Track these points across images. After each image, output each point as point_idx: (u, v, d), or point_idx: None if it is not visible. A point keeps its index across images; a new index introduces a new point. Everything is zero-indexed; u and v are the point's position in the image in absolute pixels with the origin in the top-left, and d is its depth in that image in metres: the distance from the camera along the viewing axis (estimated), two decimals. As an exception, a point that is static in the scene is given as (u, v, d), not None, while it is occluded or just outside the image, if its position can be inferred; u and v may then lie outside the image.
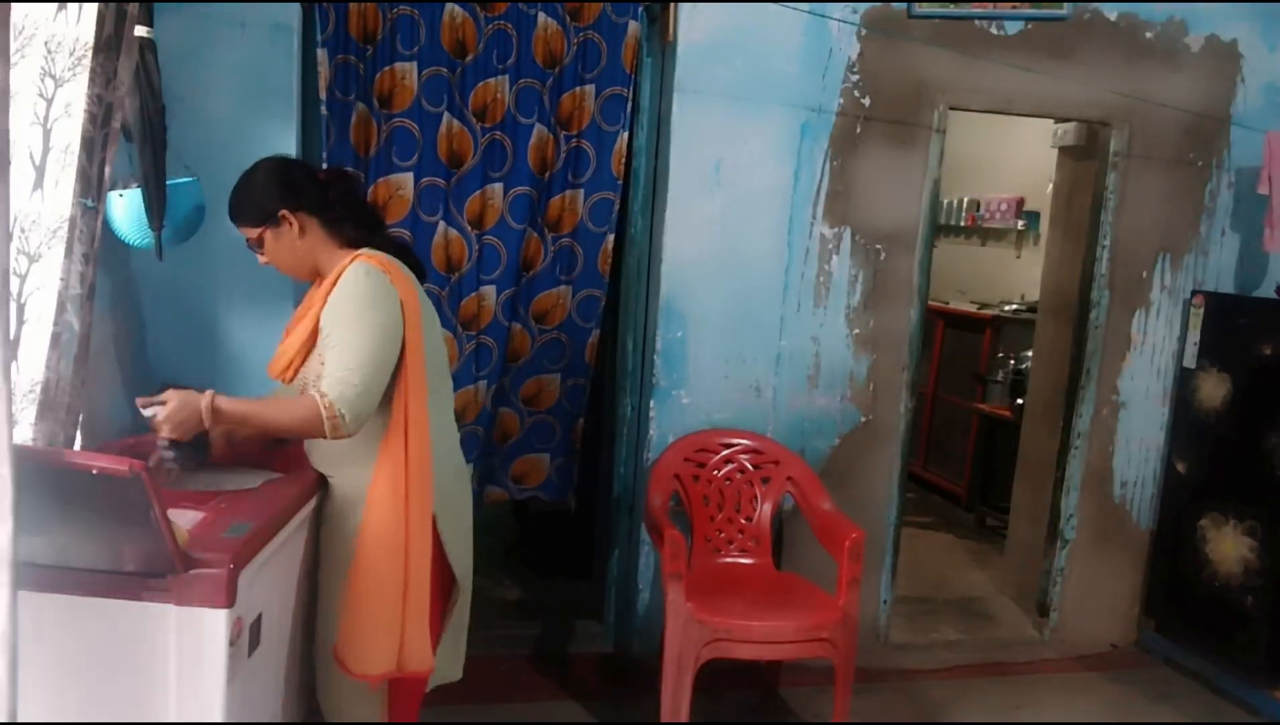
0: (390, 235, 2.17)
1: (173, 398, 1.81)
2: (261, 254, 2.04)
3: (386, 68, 2.92)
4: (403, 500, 1.93)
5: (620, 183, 3.17)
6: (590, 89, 3.10)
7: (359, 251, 1.97)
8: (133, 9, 1.89)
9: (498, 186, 3.09)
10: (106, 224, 2.18)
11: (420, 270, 2.10)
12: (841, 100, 3.23)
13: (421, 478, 1.95)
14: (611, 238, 3.20)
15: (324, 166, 2.06)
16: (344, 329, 1.87)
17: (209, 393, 1.84)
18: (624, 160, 3.16)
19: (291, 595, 2.04)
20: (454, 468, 2.12)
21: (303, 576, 2.07)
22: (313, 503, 2.05)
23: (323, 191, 2.02)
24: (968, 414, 5.20)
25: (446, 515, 2.06)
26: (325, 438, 1.87)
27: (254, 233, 2.00)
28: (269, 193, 1.98)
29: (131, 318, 2.70)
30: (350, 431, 1.86)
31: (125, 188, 2.34)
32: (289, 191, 1.98)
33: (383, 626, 1.95)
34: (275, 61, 2.78)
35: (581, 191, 3.16)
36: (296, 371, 1.98)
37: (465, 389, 3.15)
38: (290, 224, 1.98)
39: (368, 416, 1.88)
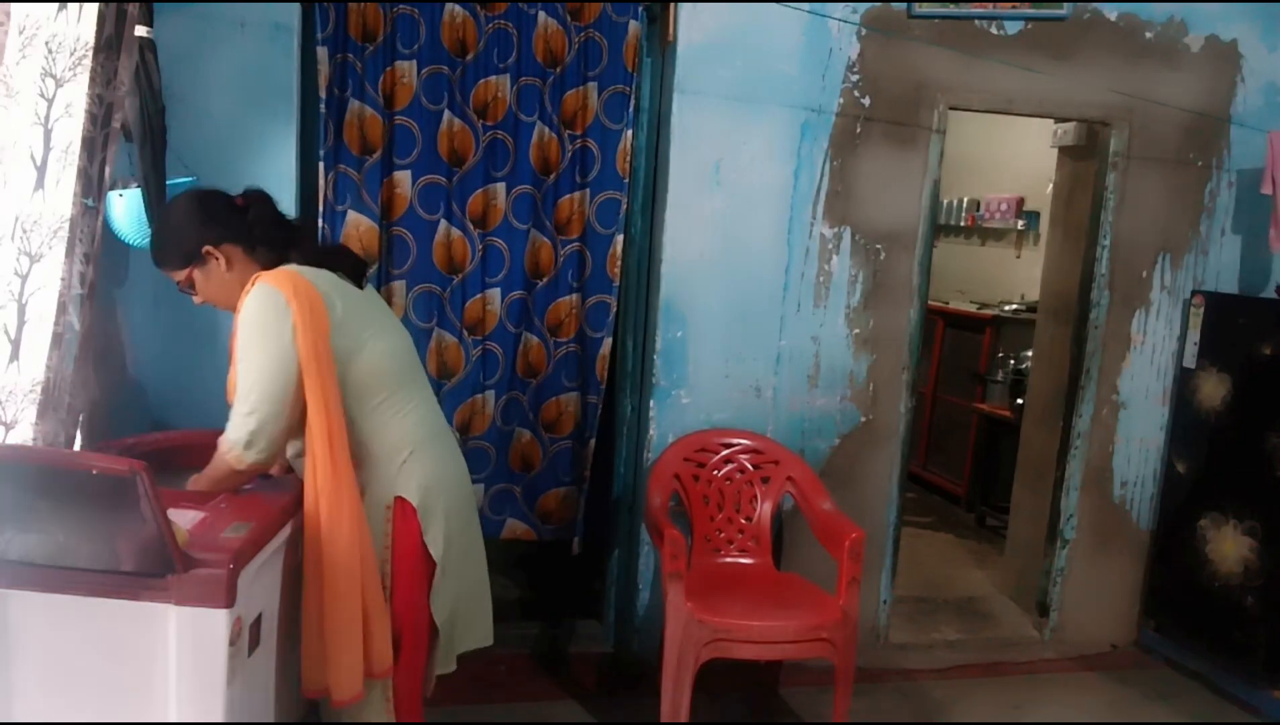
0: (316, 244, 2.09)
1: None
2: (195, 295, 2.00)
3: (387, 67, 2.92)
4: (327, 512, 1.87)
5: (626, 182, 3.17)
6: (593, 87, 3.09)
7: (263, 273, 1.89)
8: (133, 9, 1.90)
9: (500, 186, 3.08)
10: (106, 224, 2.18)
11: (357, 271, 2.03)
12: (841, 100, 3.23)
13: (338, 489, 1.86)
14: (620, 240, 3.17)
15: (241, 192, 2.04)
16: (243, 360, 1.85)
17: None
18: (629, 160, 3.16)
19: (291, 595, 2.04)
20: (433, 468, 2.05)
21: (301, 577, 2.07)
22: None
23: (241, 218, 1.96)
24: (968, 414, 5.19)
25: (435, 508, 2.03)
26: (246, 479, 1.91)
27: (182, 275, 1.96)
28: (189, 231, 1.93)
29: (131, 318, 2.70)
30: (261, 462, 1.87)
31: (125, 188, 2.34)
32: (208, 226, 1.93)
33: (340, 650, 1.93)
34: (275, 61, 2.78)
35: (588, 192, 3.15)
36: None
37: (471, 399, 3.13)
38: (216, 259, 1.94)
39: (275, 442, 1.86)
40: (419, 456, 2.02)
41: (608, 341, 3.23)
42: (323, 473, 1.86)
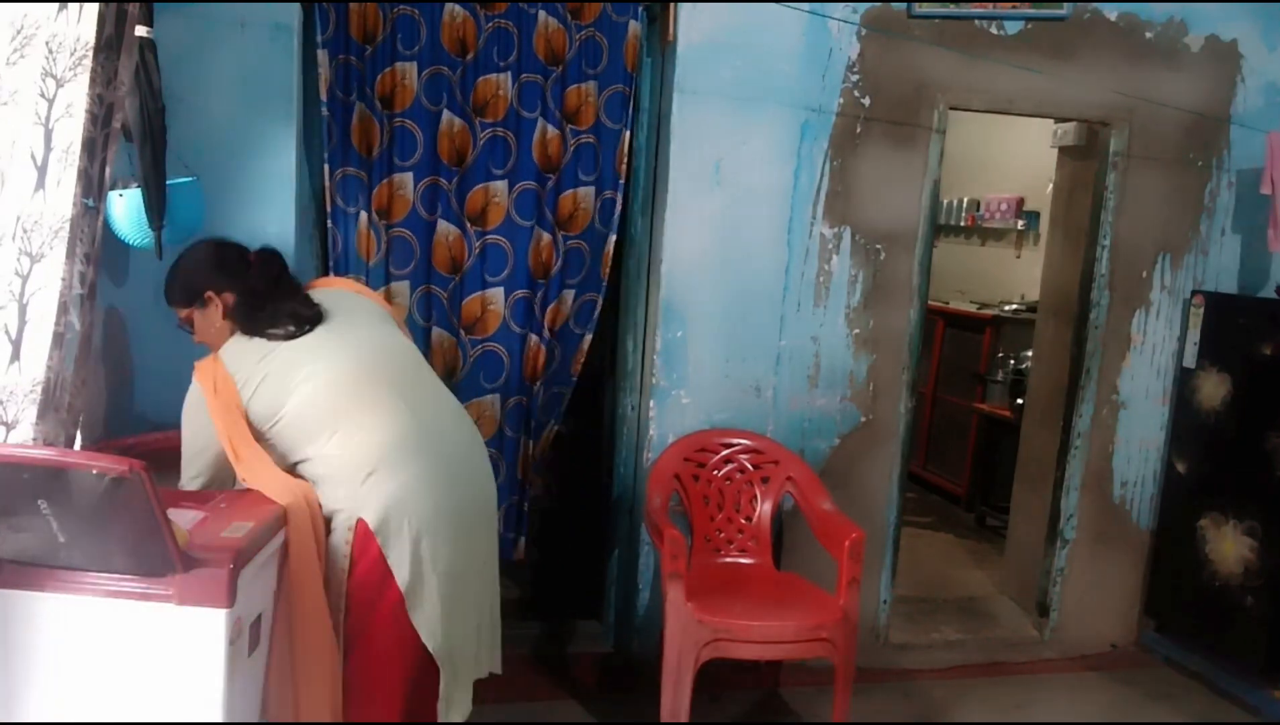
0: (283, 306, 2.13)
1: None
2: (193, 334, 2.17)
3: (387, 67, 2.92)
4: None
5: (622, 182, 3.17)
6: (593, 86, 3.09)
7: (197, 364, 2.07)
8: (133, 9, 1.90)
9: (501, 183, 3.07)
10: (106, 224, 2.18)
11: (302, 323, 2.09)
12: (841, 100, 3.23)
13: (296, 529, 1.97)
14: (613, 239, 3.19)
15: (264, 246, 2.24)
16: (183, 438, 2.09)
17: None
18: (627, 160, 3.16)
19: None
20: (411, 482, 2.04)
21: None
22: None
23: (247, 270, 2.13)
24: (968, 414, 5.19)
25: (398, 528, 2.00)
26: None
27: (184, 312, 2.15)
28: (198, 274, 2.12)
29: (131, 318, 2.70)
30: None
31: (125, 188, 2.34)
32: (216, 273, 2.11)
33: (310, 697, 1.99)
34: (275, 61, 2.78)
35: (592, 190, 3.14)
36: None
37: (471, 403, 3.08)
38: (215, 304, 2.11)
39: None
40: (381, 475, 2.00)
41: (588, 338, 3.23)
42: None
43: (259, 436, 2.02)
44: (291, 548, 1.95)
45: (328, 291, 2.25)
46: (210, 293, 2.10)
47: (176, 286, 2.14)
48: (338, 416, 2.02)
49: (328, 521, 2.02)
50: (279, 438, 2.03)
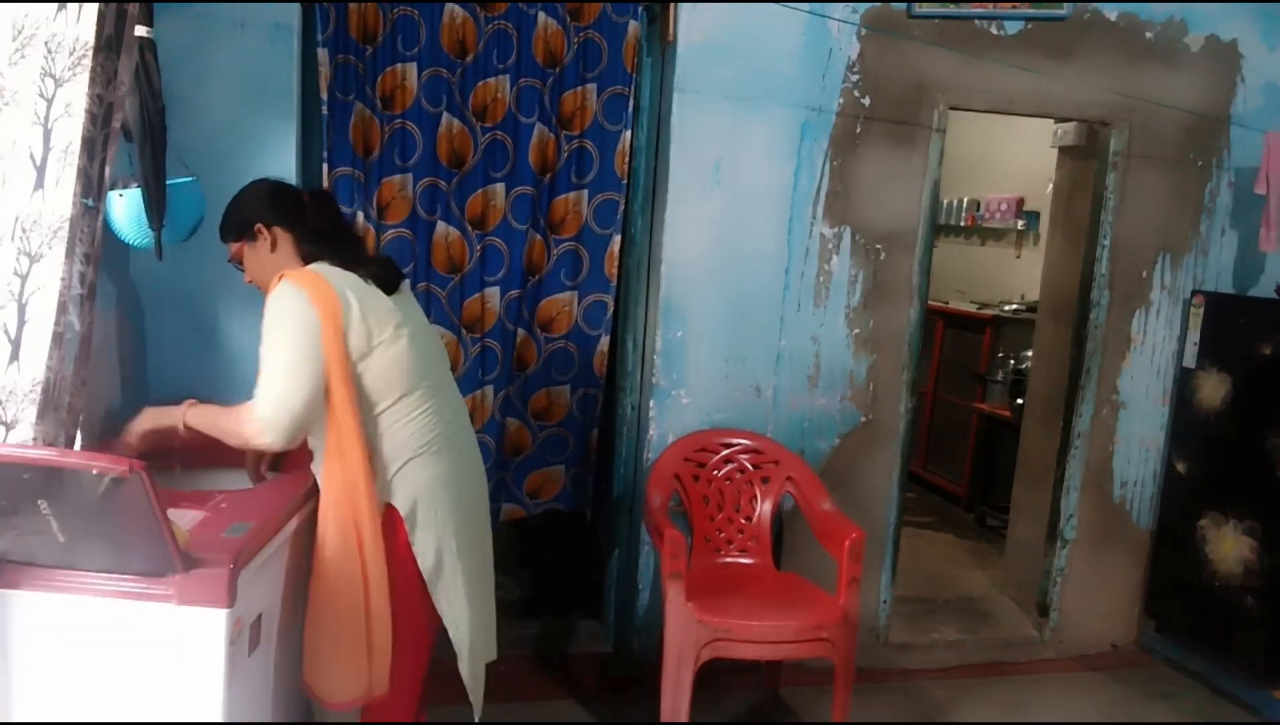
0: (357, 249, 2.13)
1: (148, 414, 2.01)
2: (244, 271, 2.13)
3: (387, 68, 2.93)
4: (345, 513, 1.93)
5: (624, 183, 3.17)
6: (592, 88, 3.10)
7: (291, 271, 1.95)
8: (133, 9, 1.89)
9: (499, 187, 3.08)
10: (106, 224, 2.18)
11: (390, 279, 2.06)
12: (841, 100, 3.23)
13: (349, 491, 1.92)
14: (618, 240, 3.19)
15: (317, 186, 2.23)
16: (265, 348, 1.91)
17: (186, 403, 2.06)
18: (627, 160, 3.16)
19: (291, 594, 2.04)
20: (442, 471, 2.05)
21: (301, 577, 2.07)
22: (312, 504, 2.05)
23: (301, 209, 2.08)
24: (968, 414, 5.20)
25: (426, 517, 2.02)
26: (251, 447, 2.03)
27: (235, 247, 2.11)
28: (249, 209, 2.08)
29: (131, 318, 2.70)
30: (272, 446, 1.91)
31: (125, 188, 2.34)
32: (267, 208, 2.07)
33: (341, 651, 1.96)
34: (275, 61, 2.78)
35: (585, 192, 3.15)
36: None
37: (471, 395, 3.13)
38: (264, 237, 2.06)
39: (295, 433, 1.89)
40: (416, 463, 2.01)
41: (605, 339, 3.26)
42: (342, 461, 1.92)
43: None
44: (327, 537, 1.95)
45: None
46: (260, 226, 2.05)
47: (229, 221, 2.11)
48: (409, 386, 2.00)
49: None
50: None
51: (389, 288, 2.04)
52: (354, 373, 1.93)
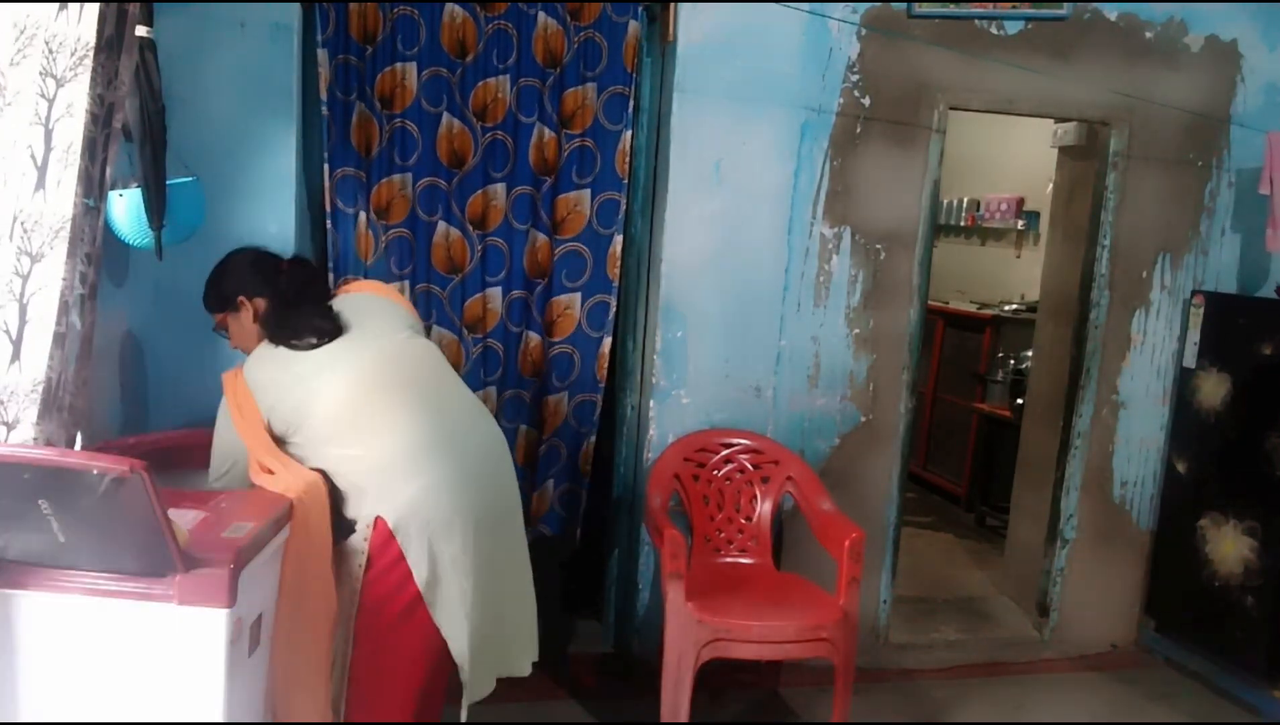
0: (314, 319, 2.14)
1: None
2: (229, 339, 2.23)
3: (387, 68, 2.93)
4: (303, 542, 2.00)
5: (625, 183, 3.17)
6: (592, 88, 3.09)
7: (225, 375, 2.11)
8: (133, 9, 1.89)
9: (499, 187, 3.08)
10: (106, 224, 2.18)
11: (332, 330, 2.11)
12: (841, 100, 3.23)
13: (302, 521, 1.98)
14: (619, 240, 3.18)
15: (289, 257, 2.30)
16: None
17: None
18: (628, 160, 3.16)
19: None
20: (429, 485, 2.04)
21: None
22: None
23: (279, 278, 2.17)
24: (968, 414, 5.19)
25: (418, 530, 2.02)
26: None
27: (219, 317, 2.22)
28: (233, 280, 2.18)
29: (131, 318, 2.70)
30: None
31: (125, 188, 2.34)
32: (248, 279, 2.17)
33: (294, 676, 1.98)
34: (275, 61, 2.78)
35: (588, 192, 3.15)
36: None
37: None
38: (247, 308, 2.16)
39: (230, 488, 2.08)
40: (401, 477, 2.02)
41: (607, 341, 3.24)
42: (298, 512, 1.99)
43: (282, 443, 2.05)
44: (297, 539, 1.95)
45: (353, 296, 2.28)
46: (242, 298, 2.16)
47: (212, 292, 2.21)
48: (358, 423, 2.05)
49: (350, 522, 2.03)
50: (301, 444, 2.06)
51: (327, 341, 2.10)
52: (297, 434, 2.05)
